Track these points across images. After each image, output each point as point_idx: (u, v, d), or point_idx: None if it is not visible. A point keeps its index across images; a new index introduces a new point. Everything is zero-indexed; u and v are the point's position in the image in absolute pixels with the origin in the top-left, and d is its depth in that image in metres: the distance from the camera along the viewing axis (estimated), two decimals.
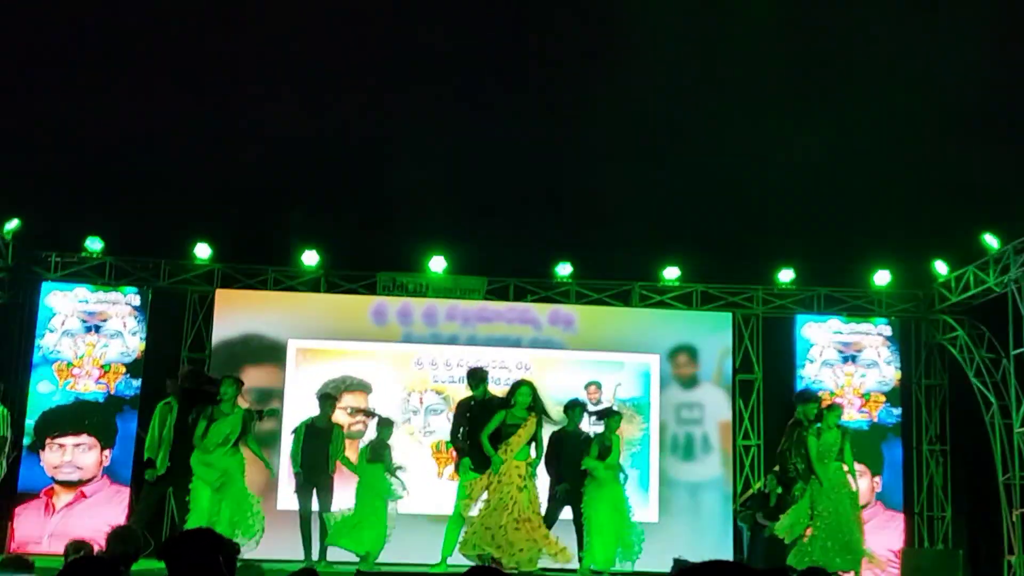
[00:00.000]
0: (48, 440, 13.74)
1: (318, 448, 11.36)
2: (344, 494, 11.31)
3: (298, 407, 13.17)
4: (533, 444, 10.57)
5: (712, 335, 14.78)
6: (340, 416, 13.58)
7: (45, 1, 12.82)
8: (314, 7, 13.40)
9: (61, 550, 11.46)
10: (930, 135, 13.06)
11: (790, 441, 11.49)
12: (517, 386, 10.77)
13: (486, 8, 13.35)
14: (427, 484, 13.56)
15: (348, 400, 14.09)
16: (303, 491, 11.33)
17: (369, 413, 11.94)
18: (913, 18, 12.93)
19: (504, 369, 13.99)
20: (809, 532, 10.95)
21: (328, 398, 11.87)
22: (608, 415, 11.22)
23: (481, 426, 10.40)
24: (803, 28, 13.19)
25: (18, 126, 13.30)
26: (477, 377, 11.09)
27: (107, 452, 13.84)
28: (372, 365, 14.37)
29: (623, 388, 14.46)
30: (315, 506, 11.27)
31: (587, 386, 14.22)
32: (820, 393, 14.16)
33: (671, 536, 13.40)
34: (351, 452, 11.64)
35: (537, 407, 10.61)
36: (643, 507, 13.84)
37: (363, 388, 14.27)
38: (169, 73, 13.61)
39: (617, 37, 13.83)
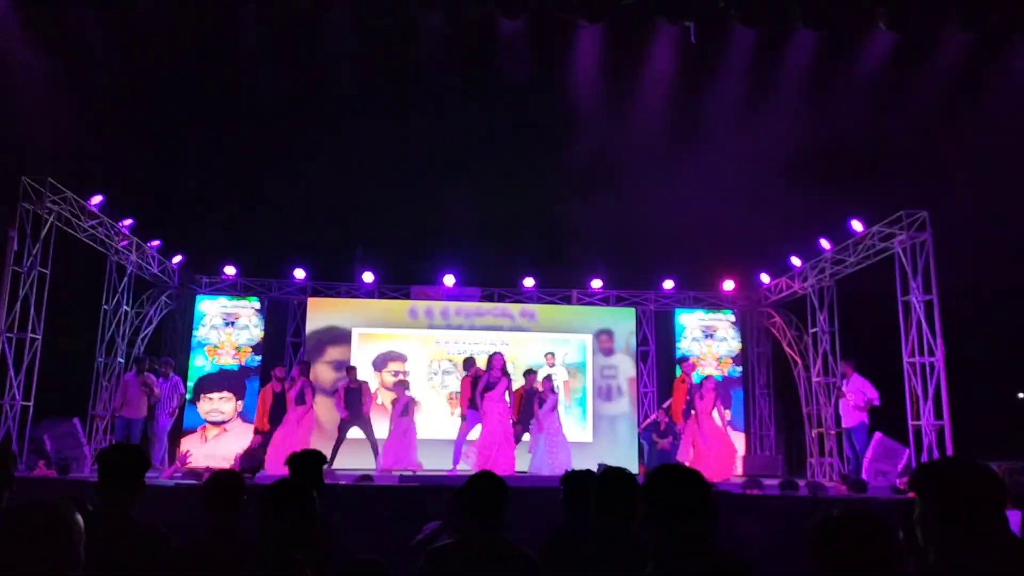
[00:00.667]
0: (202, 395, 13.90)
1: (355, 400, 11.67)
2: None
3: (360, 372, 13.39)
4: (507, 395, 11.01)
5: (622, 323, 14.83)
6: (387, 377, 13.83)
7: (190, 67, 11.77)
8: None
9: (210, 464, 11.71)
10: (757, 187, 12.99)
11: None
12: (491, 356, 11.23)
13: (487, 49, 11.92)
14: (443, 419, 13.67)
15: (392, 366, 14.20)
16: (345, 426, 11.66)
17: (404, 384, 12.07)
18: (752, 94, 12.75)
19: (492, 345, 14.14)
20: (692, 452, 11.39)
21: (350, 368, 12.22)
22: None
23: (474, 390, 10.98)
24: (690, 102, 13.02)
25: (179, 192, 13.19)
26: (467, 364, 11.64)
27: (240, 403, 13.94)
28: (407, 343, 14.39)
29: (568, 356, 14.57)
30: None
31: (545, 355, 14.26)
32: (691, 359, 14.51)
33: (599, 450, 13.51)
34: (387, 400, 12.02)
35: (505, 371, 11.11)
36: (583, 432, 14.13)
37: (401, 358, 14.29)
38: (260, 146, 13.35)
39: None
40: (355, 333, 14.35)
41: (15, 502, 2.52)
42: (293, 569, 2.86)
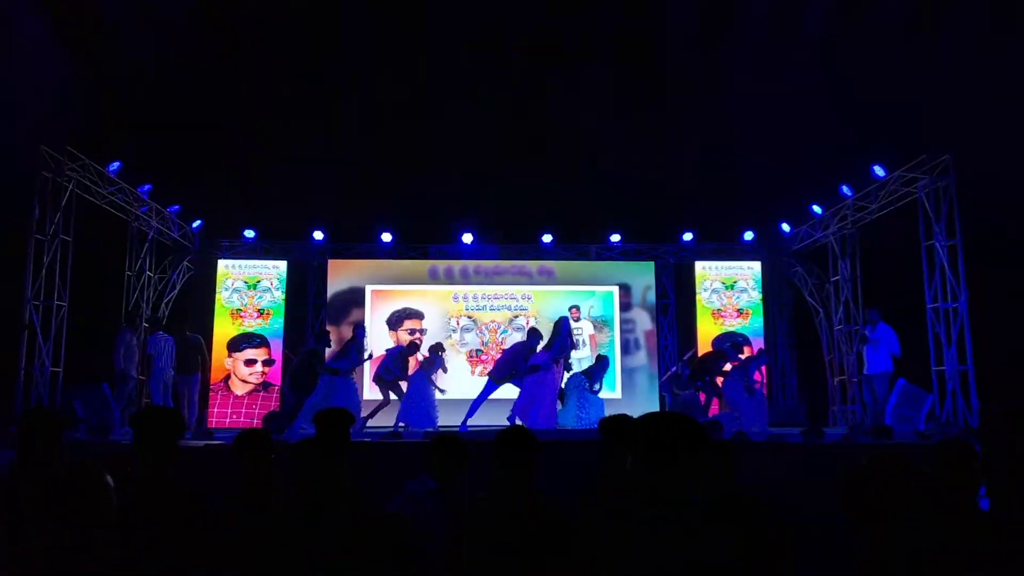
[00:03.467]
0: (233, 355, 13.90)
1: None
2: None
3: (376, 331, 13.56)
4: None
5: (639, 276, 14.72)
6: (403, 336, 13.68)
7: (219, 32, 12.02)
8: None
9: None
10: (776, 133, 12.86)
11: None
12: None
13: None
14: (463, 377, 13.63)
15: (408, 324, 14.08)
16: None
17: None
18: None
19: (513, 299, 14.24)
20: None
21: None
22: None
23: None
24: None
25: (198, 155, 13.20)
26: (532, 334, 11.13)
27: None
28: (424, 300, 14.26)
29: (594, 309, 14.38)
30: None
31: (569, 308, 13.94)
32: (711, 310, 14.51)
33: (622, 405, 13.30)
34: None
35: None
36: (610, 387, 13.74)
37: (417, 315, 14.19)
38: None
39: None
40: (368, 291, 14.31)
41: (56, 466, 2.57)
42: (325, 525, 2.94)
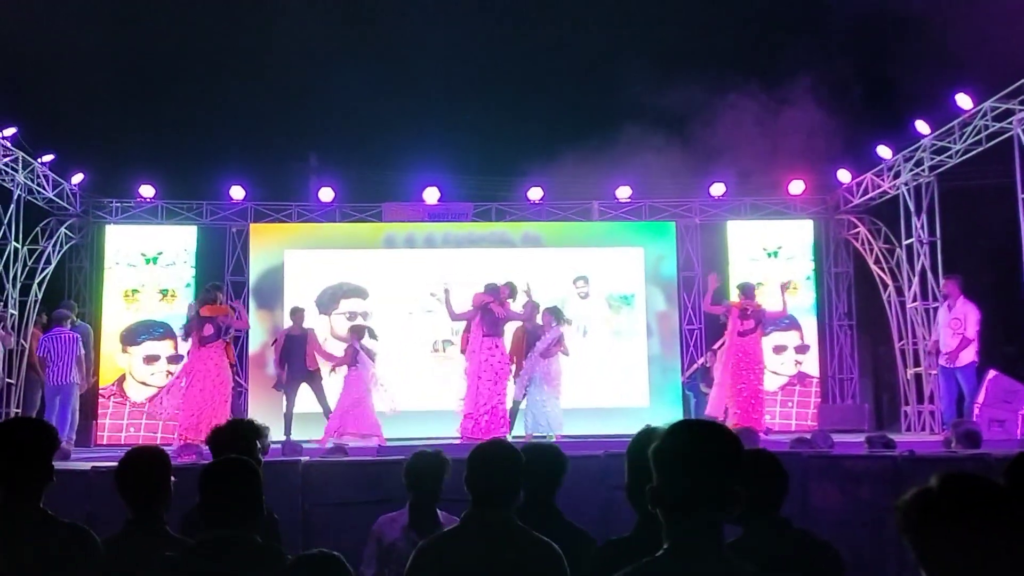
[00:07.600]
0: (130, 349, 13.82)
1: (297, 352, 11.38)
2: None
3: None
4: None
5: (652, 243, 14.63)
6: (339, 321, 13.65)
7: None
8: None
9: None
10: (828, 62, 12.90)
11: None
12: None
13: None
14: (425, 379, 13.37)
15: (346, 305, 14.00)
16: (292, 389, 11.36)
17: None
18: None
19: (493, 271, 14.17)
20: None
21: (296, 311, 11.82)
22: None
23: None
24: None
25: (78, 92, 13.16)
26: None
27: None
28: (368, 273, 14.10)
29: (611, 285, 14.32)
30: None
31: (575, 280, 13.91)
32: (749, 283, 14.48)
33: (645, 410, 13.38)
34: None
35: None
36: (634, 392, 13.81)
37: (359, 293, 14.06)
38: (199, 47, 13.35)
39: None
40: (288, 257, 14.15)
41: None
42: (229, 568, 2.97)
